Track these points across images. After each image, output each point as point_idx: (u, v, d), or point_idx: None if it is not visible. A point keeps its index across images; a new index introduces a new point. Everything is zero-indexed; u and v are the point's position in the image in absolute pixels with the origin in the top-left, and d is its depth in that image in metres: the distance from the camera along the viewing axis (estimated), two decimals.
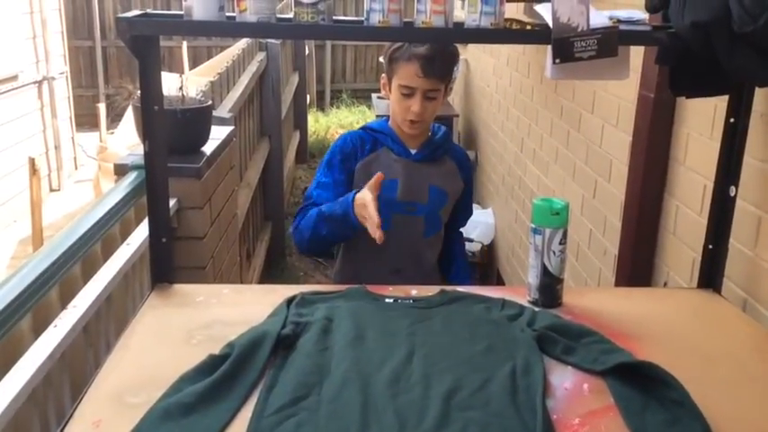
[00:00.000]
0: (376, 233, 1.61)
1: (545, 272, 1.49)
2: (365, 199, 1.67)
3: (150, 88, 1.47)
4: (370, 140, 1.91)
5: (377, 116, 5.73)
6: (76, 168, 7.44)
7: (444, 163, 1.94)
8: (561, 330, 1.34)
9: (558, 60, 1.36)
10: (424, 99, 1.80)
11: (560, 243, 1.49)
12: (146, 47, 1.43)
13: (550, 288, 1.50)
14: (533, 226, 1.50)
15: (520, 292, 1.56)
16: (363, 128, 1.98)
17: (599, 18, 1.39)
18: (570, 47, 1.36)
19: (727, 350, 1.35)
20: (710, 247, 1.60)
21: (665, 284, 2.01)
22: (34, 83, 6.64)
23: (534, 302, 1.51)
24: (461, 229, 2.16)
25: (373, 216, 1.62)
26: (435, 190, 1.91)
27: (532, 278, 1.52)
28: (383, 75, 1.91)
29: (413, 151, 1.90)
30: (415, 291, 1.55)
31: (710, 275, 1.61)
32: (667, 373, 1.16)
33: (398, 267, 1.89)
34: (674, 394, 1.13)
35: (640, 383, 1.17)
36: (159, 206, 1.53)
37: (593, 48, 1.36)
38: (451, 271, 2.09)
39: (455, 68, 1.93)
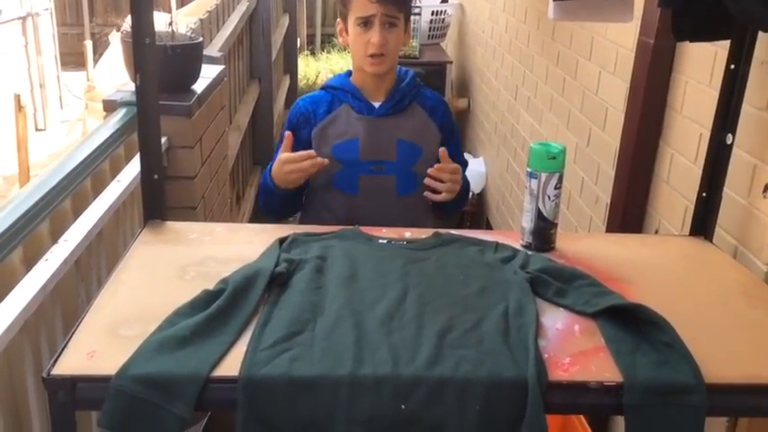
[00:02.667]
0: (316, 165, 1.62)
1: (539, 216, 1.49)
2: (281, 157, 1.66)
3: (141, 19, 1.43)
4: (327, 101, 1.80)
5: None
6: (62, 108, 7.34)
7: (413, 113, 1.81)
8: (554, 273, 1.35)
9: (553, 16, 1.34)
10: (383, 29, 1.69)
11: (555, 188, 1.48)
12: None
13: (544, 232, 1.51)
14: (529, 170, 1.49)
15: (513, 236, 1.56)
16: (323, 86, 1.87)
17: None
18: None
19: (717, 295, 1.37)
20: (704, 194, 1.61)
21: (657, 232, 2.02)
22: (18, 18, 6.47)
23: (527, 246, 1.51)
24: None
25: (295, 156, 1.63)
26: (404, 144, 1.78)
27: (526, 222, 1.52)
28: (338, 21, 1.80)
29: (376, 104, 1.79)
30: (408, 233, 1.55)
31: (703, 223, 1.62)
32: (658, 316, 1.18)
33: None
34: (664, 336, 1.15)
35: (631, 326, 1.18)
36: (151, 142, 1.51)
37: None
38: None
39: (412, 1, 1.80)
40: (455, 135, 1.91)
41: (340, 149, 1.71)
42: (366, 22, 1.69)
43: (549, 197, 1.48)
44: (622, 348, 1.14)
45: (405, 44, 1.81)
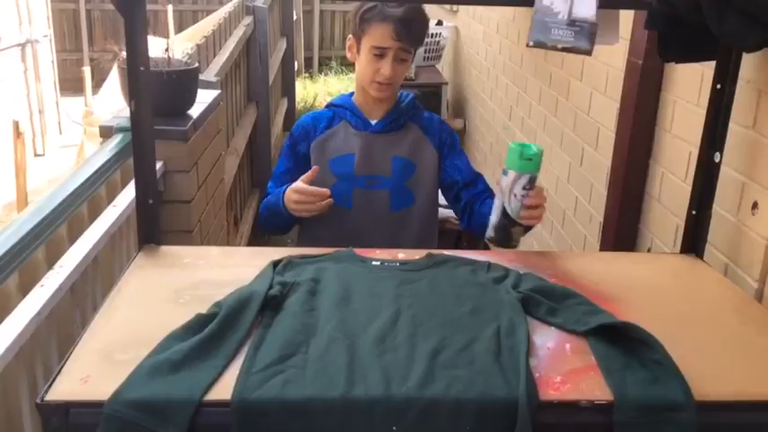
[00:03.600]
0: (323, 203, 1.68)
1: (503, 213, 1.51)
2: (296, 186, 1.70)
3: (136, 48, 1.45)
4: (327, 117, 1.86)
5: None
6: (61, 133, 7.38)
7: (409, 131, 1.85)
8: (545, 292, 1.36)
9: (531, 44, 1.38)
10: (395, 62, 1.75)
11: (524, 188, 1.48)
12: (132, 4, 1.41)
13: (506, 229, 1.52)
14: (504, 167, 1.51)
15: (506, 256, 1.57)
16: (327, 105, 1.93)
17: (586, 7, 1.38)
18: (548, 31, 1.37)
19: (708, 313, 1.38)
20: (694, 212, 1.62)
21: (649, 250, 2.03)
22: (17, 45, 6.53)
23: (490, 240, 1.53)
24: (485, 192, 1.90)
25: (311, 190, 1.68)
26: (399, 161, 1.82)
27: (493, 216, 1.54)
28: (350, 36, 1.84)
29: (373, 122, 1.83)
30: (402, 254, 1.56)
31: (693, 241, 1.63)
32: (648, 334, 1.18)
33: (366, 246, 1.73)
34: (654, 355, 1.15)
35: (622, 344, 1.19)
36: (146, 167, 1.52)
37: (570, 39, 1.37)
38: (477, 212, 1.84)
39: (426, 30, 1.87)
40: (456, 151, 1.90)
41: (336, 163, 1.75)
42: (380, 54, 1.75)
43: (515, 196, 1.49)
44: (612, 366, 1.14)
45: (407, 72, 1.86)
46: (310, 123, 1.86)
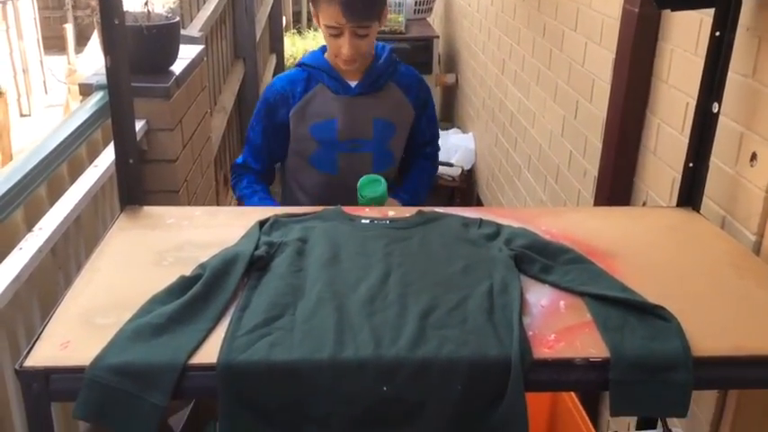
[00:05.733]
0: None
1: None
2: None
3: (109, 0, 1.38)
4: (303, 79, 1.79)
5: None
6: (47, 93, 7.24)
7: (389, 91, 1.81)
8: (539, 249, 1.33)
9: None
10: (354, 38, 1.68)
11: None
12: None
13: None
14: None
15: (497, 212, 1.54)
16: (299, 63, 1.85)
17: None
18: None
19: (705, 267, 1.35)
20: (691, 165, 1.58)
21: (645, 204, 2.00)
22: None
23: None
24: (437, 153, 2.02)
25: None
26: (380, 123, 1.79)
27: None
28: (311, 4, 1.77)
29: (352, 84, 1.77)
30: (391, 212, 1.52)
31: (690, 194, 1.60)
32: (648, 303, 1.15)
33: None
34: (653, 313, 1.12)
35: (620, 304, 1.16)
36: (125, 125, 1.47)
37: None
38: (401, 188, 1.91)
39: (383, 3, 1.75)
40: (428, 108, 1.91)
41: (318, 129, 1.70)
42: (336, 33, 1.68)
43: None
44: (609, 324, 1.11)
45: (380, 28, 1.78)
46: (287, 88, 1.79)
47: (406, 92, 1.84)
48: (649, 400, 1.03)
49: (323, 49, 1.82)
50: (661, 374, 1.03)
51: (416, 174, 1.96)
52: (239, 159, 1.89)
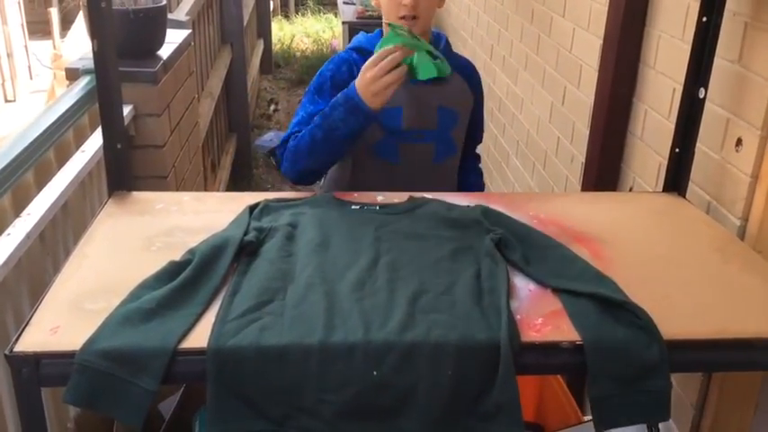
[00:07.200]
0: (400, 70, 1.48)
1: None
2: (369, 62, 1.49)
3: None
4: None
5: (343, 23, 5.54)
6: (32, 78, 7.15)
7: (452, 79, 1.70)
8: (522, 237, 1.32)
9: None
10: None
11: None
12: None
13: None
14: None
15: (486, 198, 1.55)
16: (355, 48, 1.73)
17: None
18: None
19: (690, 251, 1.37)
20: (677, 150, 1.60)
21: (631, 189, 2.01)
22: None
23: None
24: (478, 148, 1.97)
25: (382, 65, 1.46)
26: (444, 111, 1.73)
27: None
28: None
29: None
30: (381, 197, 1.53)
31: (676, 179, 1.61)
32: (621, 299, 1.13)
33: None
34: (630, 316, 1.10)
35: (595, 299, 1.13)
36: (112, 110, 1.46)
37: None
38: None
39: None
40: (481, 98, 1.88)
41: (384, 116, 1.63)
42: None
43: None
44: (586, 323, 1.10)
45: (440, 6, 1.74)
46: (354, 69, 1.66)
47: (469, 79, 1.81)
48: (631, 411, 1.03)
49: (379, 33, 1.74)
50: (639, 383, 1.03)
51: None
52: (284, 135, 1.71)
